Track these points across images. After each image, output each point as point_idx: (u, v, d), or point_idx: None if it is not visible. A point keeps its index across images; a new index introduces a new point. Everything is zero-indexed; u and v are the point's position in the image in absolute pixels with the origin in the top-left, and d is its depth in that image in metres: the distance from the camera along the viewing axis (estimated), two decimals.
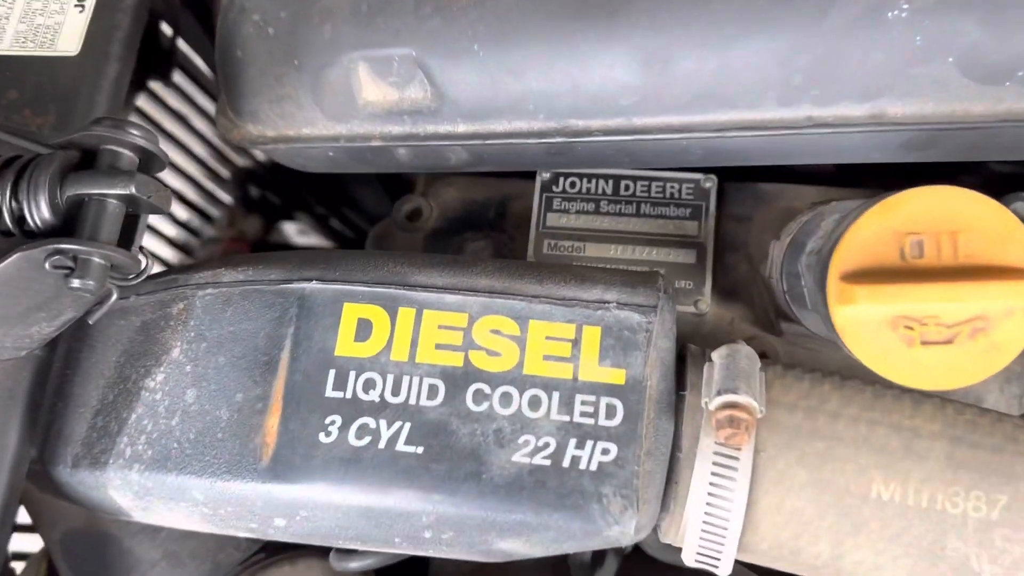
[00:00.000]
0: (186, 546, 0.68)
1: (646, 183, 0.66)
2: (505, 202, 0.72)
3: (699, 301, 0.63)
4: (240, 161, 1.00)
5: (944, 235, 0.40)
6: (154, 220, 0.93)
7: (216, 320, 0.52)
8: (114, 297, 0.51)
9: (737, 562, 0.50)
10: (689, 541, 0.48)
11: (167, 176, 0.90)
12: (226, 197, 1.01)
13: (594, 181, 0.67)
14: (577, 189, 0.67)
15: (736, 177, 0.68)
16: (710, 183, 0.65)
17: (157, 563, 0.67)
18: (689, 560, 0.49)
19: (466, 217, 0.72)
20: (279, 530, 0.50)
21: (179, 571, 0.68)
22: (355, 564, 0.59)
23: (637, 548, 0.68)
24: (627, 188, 0.66)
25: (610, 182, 0.66)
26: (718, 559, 0.48)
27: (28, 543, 0.86)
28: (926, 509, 0.45)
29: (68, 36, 0.60)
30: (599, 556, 0.63)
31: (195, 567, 0.69)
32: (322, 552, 0.74)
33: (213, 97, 0.82)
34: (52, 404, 0.56)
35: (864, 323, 0.41)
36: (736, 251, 0.67)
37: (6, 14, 0.61)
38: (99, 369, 0.55)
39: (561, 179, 0.67)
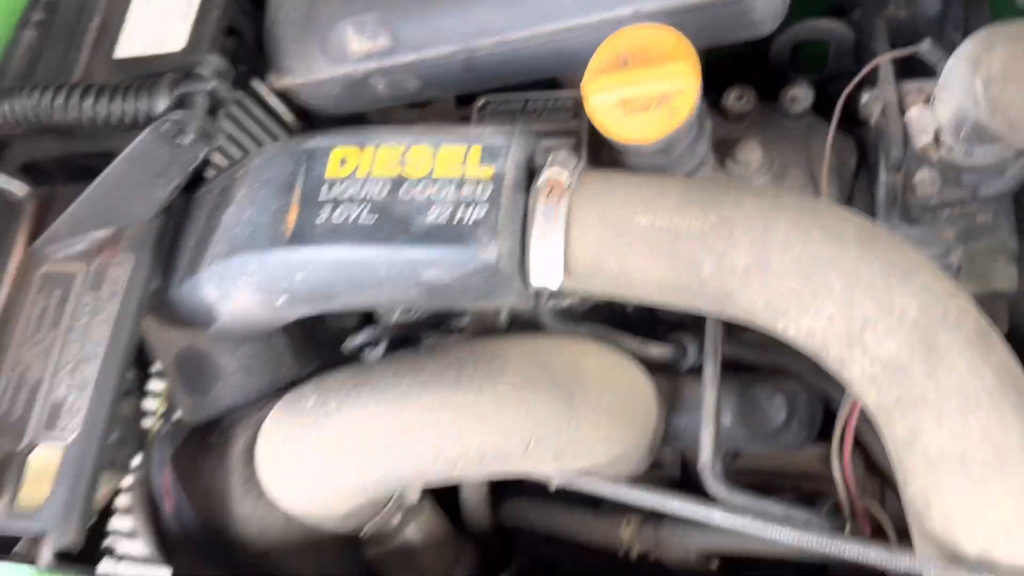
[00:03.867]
0: (256, 361, 0.88)
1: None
2: None
3: None
4: None
5: (639, 50, 0.72)
6: None
7: (262, 172, 0.86)
8: (204, 151, 0.87)
9: None
10: (534, 268, 0.76)
11: None
12: None
13: None
14: None
15: None
16: None
17: (235, 372, 0.87)
18: (536, 281, 0.79)
19: None
20: (301, 283, 0.83)
21: (249, 380, 0.89)
22: (359, 339, 0.92)
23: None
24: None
25: None
26: (550, 278, 0.78)
27: None
28: (621, 226, 0.70)
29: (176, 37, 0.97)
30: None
31: (260, 378, 0.89)
32: None
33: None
34: (166, 259, 0.90)
35: (603, 106, 0.73)
36: None
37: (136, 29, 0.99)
38: (193, 227, 0.88)
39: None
